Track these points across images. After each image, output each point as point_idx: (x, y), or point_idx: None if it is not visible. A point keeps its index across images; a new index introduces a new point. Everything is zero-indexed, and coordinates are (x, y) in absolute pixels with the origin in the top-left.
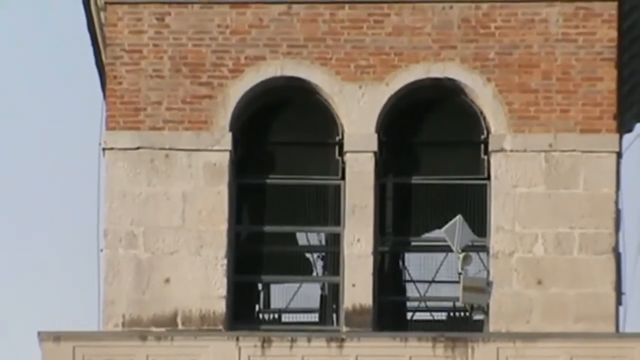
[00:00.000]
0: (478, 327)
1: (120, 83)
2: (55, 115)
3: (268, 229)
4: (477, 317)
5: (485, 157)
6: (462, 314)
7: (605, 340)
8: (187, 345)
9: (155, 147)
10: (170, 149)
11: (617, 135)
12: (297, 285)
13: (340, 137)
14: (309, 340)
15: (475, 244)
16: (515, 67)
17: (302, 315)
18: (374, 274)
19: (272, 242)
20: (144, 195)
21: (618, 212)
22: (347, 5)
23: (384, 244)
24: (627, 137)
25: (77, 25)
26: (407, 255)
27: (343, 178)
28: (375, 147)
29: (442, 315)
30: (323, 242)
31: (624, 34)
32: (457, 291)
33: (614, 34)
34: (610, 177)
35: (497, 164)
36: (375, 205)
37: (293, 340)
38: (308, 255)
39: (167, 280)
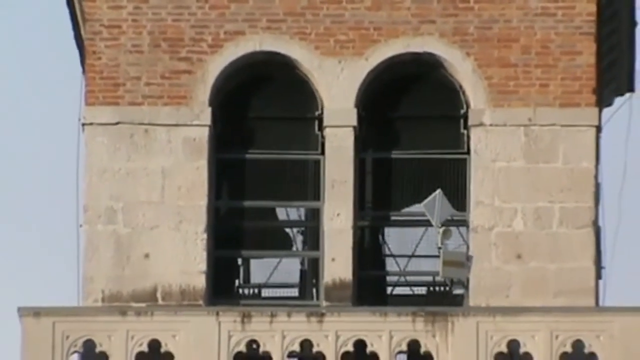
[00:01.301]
0: (458, 301)
1: (99, 58)
2: (34, 91)
3: (248, 204)
4: (457, 291)
5: (465, 132)
6: (442, 288)
7: (585, 314)
8: (167, 321)
9: (134, 123)
10: (149, 124)
11: (596, 109)
12: (277, 260)
13: (319, 111)
14: (288, 315)
15: (454, 218)
16: (495, 42)
17: (281, 290)
18: (353, 248)
19: (251, 217)
20: (124, 171)
21: (598, 186)
22: None
23: (364, 218)
24: (606, 111)
25: (56, 1)
26: (386, 229)
27: (322, 153)
28: (354, 122)
29: (422, 290)
30: (303, 217)
31: (603, 8)
32: (436, 266)
33: (593, 8)
34: (589, 151)
35: (477, 139)
36: (354, 180)
37: (273, 315)
38: (288, 230)
39: (147, 256)
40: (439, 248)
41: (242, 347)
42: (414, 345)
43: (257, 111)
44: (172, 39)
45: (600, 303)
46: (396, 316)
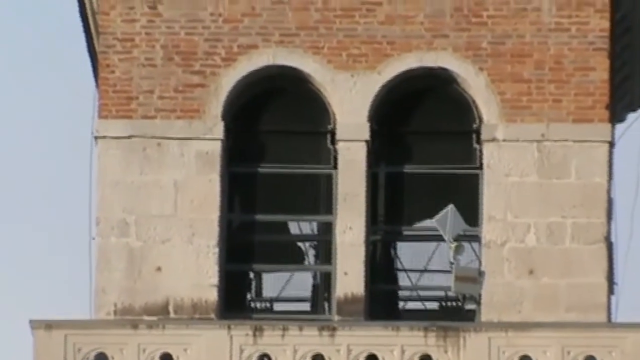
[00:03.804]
0: (470, 316)
1: (112, 72)
2: (47, 104)
3: (260, 217)
4: (469, 306)
5: (478, 147)
6: (454, 303)
7: (597, 330)
8: (179, 334)
9: (147, 136)
10: (162, 137)
11: (609, 125)
12: (289, 274)
13: (332, 125)
14: (300, 329)
15: (467, 233)
16: (508, 57)
17: (294, 304)
18: (365, 262)
19: (264, 230)
20: (136, 184)
21: (610, 202)
22: None
23: (376, 232)
24: (619, 127)
25: (70, 14)
26: (399, 244)
27: (335, 167)
28: (367, 136)
29: (434, 305)
30: (315, 231)
31: (617, 24)
32: (449, 281)
33: (606, 24)
34: (602, 166)
35: (490, 154)
36: (367, 194)
37: (285, 329)
38: (300, 244)
39: (159, 269)
40: (451, 263)
41: None
42: None
43: (270, 125)
44: (185, 53)
45: (612, 319)
46: (408, 331)
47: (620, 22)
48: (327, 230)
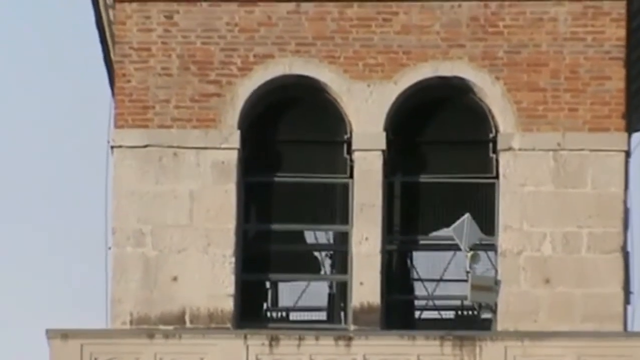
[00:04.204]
0: (486, 325)
1: (128, 81)
2: (63, 113)
3: (276, 227)
4: (485, 315)
5: (494, 156)
6: (470, 312)
7: (613, 340)
8: (195, 344)
9: (163, 145)
10: (178, 147)
11: (625, 134)
12: (305, 283)
13: (348, 135)
14: (316, 339)
15: (483, 242)
16: (524, 66)
17: (310, 313)
18: (381, 272)
19: (279, 240)
20: (152, 194)
21: (626, 211)
22: (355, 4)
23: (392, 242)
24: (635, 136)
25: (86, 23)
26: (415, 253)
27: (351, 176)
28: (383, 146)
29: (450, 314)
30: (331, 241)
31: (633, 33)
32: (465, 290)
33: (622, 32)
34: (618, 176)
35: (506, 163)
36: (383, 203)
37: (301, 339)
38: (316, 253)
39: (175, 279)
40: (468, 272)
41: None
42: None
43: (286, 134)
44: (201, 62)
45: (629, 328)
46: (424, 340)
47: (636, 31)
48: (343, 240)
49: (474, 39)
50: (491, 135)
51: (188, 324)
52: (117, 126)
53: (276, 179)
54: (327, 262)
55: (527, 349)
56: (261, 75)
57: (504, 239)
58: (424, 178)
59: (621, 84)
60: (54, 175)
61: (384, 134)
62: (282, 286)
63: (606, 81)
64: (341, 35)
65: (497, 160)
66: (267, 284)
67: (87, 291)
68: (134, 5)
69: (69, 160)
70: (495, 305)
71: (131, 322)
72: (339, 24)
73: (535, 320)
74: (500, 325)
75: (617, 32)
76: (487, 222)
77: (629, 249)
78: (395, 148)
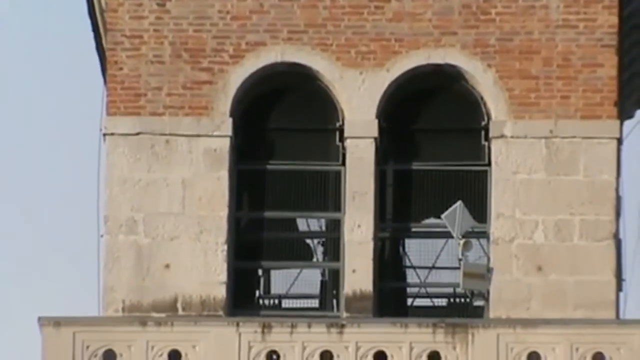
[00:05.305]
0: (478, 313)
1: (120, 69)
2: (55, 101)
3: (268, 214)
4: (478, 303)
5: (486, 144)
6: (463, 300)
7: (605, 327)
8: (187, 331)
9: (155, 133)
10: (170, 134)
11: (617, 122)
12: (298, 271)
13: (340, 123)
14: (309, 326)
15: (475, 230)
16: (516, 54)
17: (302, 301)
18: (374, 260)
19: (272, 228)
20: (144, 181)
21: (618, 199)
22: None
23: (384, 230)
24: (627, 124)
25: (78, 11)
26: (407, 241)
27: (343, 164)
28: (375, 133)
29: (442, 302)
30: (323, 228)
31: (625, 21)
32: (457, 277)
33: (614, 20)
34: (610, 163)
35: (498, 151)
36: (375, 191)
37: (293, 326)
38: (308, 241)
39: (167, 266)
40: (460, 260)
41: (262, 358)
42: (434, 357)
43: (278, 122)
44: (193, 50)
45: (621, 316)
46: (417, 327)
47: (629, 18)
48: (335, 227)
49: (466, 27)
50: (483, 123)
51: (180, 312)
52: (109, 114)
53: (268, 166)
54: (320, 250)
55: (520, 337)
56: (253, 63)
57: (496, 226)
58: (416, 165)
59: (613, 72)
60: (46, 163)
61: (376, 122)
62: (274, 274)
63: (598, 69)
64: (333, 22)
65: (489, 148)
66: (260, 272)
67: (80, 279)
68: None
69: (61, 147)
70: (488, 292)
71: (123, 310)
72: (331, 12)
73: (528, 308)
74: (493, 312)
75: (609, 20)
76: (479, 209)
77: (621, 236)
78: (388, 136)
